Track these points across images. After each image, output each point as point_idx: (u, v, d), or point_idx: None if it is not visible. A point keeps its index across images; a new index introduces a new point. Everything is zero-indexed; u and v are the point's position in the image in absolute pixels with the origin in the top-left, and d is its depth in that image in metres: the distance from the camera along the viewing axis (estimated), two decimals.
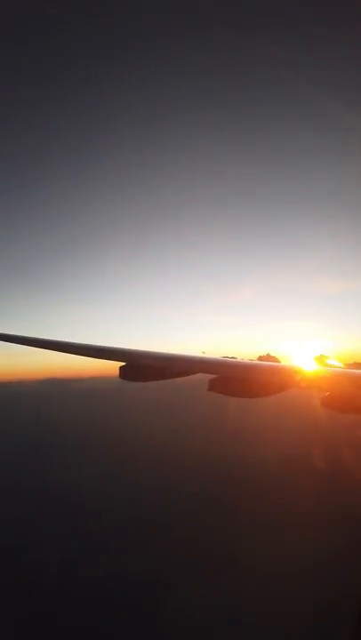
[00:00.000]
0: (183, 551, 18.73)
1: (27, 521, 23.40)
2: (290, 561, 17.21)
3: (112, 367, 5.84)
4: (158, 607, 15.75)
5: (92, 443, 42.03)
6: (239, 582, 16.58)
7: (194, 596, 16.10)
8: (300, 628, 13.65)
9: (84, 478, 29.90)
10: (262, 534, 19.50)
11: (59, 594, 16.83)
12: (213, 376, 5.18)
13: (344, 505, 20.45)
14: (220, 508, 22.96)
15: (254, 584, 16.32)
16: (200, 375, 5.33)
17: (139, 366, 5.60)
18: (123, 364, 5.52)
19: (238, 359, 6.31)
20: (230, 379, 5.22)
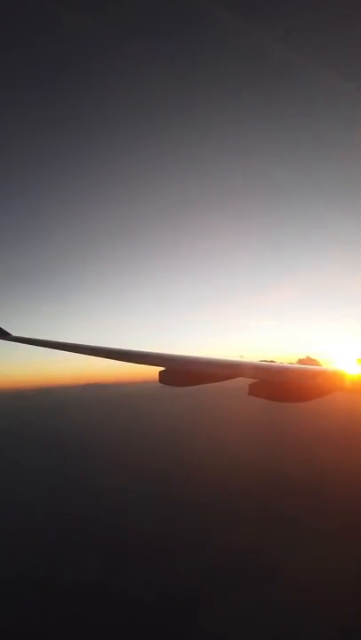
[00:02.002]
0: (222, 563, 18.32)
1: (65, 525, 23.69)
2: (331, 568, 16.65)
3: (149, 372, 5.90)
4: (189, 624, 15.36)
5: (137, 447, 42.41)
6: (276, 594, 16.10)
7: (225, 608, 15.72)
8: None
9: (130, 485, 30.11)
10: (304, 544, 18.97)
11: (84, 610, 16.67)
12: (253, 380, 5.13)
13: None
14: (261, 514, 22.56)
15: (293, 595, 15.83)
16: (239, 379, 5.29)
17: (178, 371, 5.62)
18: (162, 368, 5.56)
19: (278, 363, 6.23)
20: (271, 383, 5.15)
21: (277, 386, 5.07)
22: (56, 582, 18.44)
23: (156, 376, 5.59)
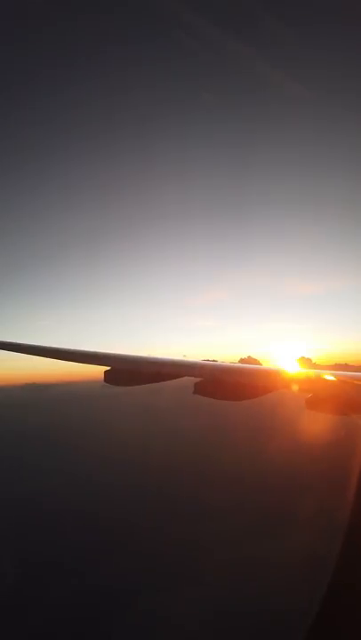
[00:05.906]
0: (156, 559, 18.30)
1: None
2: (268, 563, 17.19)
3: (93, 372, 5.79)
4: (118, 620, 15.16)
5: (75, 447, 41.61)
6: (216, 587, 16.37)
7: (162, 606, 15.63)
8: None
9: (64, 484, 29.48)
10: (243, 538, 19.45)
11: (21, 609, 16.05)
12: (198, 379, 5.18)
13: (327, 507, 20.64)
14: (202, 511, 22.88)
15: (233, 587, 16.15)
16: (185, 379, 5.32)
17: (124, 370, 5.56)
18: (107, 368, 5.48)
19: (220, 362, 6.35)
20: (216, 382, 5.23)
21: (223, 385, 5.16)
22: None
23: (99, 376, 5.50)
